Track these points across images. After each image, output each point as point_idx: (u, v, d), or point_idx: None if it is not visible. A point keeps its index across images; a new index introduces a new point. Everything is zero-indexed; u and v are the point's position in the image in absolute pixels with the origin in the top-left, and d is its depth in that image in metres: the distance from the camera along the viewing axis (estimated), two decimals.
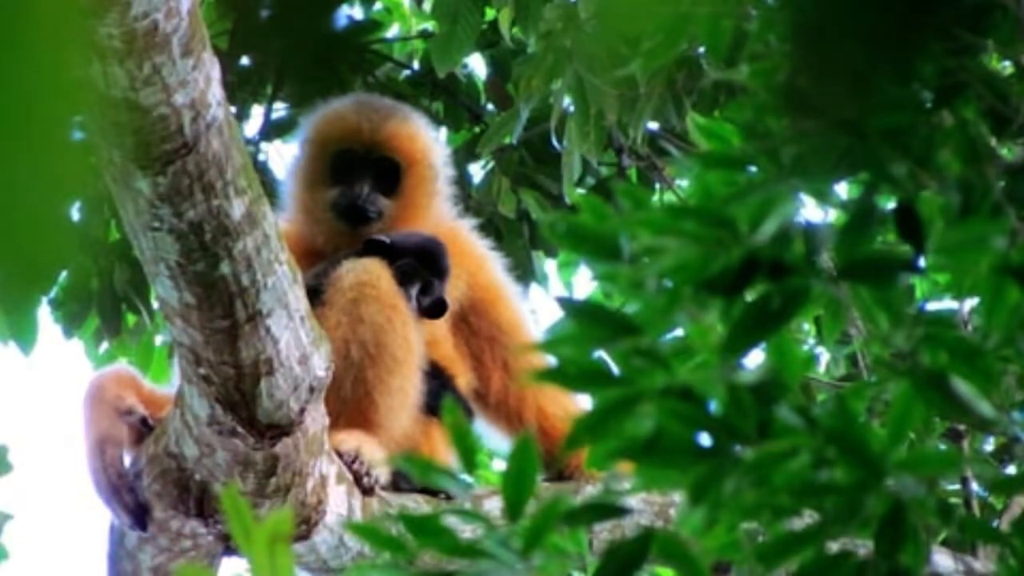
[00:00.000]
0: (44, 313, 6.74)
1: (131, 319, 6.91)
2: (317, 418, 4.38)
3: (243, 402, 4.24)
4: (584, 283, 7.93)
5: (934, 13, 2.35)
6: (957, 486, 5.37)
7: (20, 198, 1.72)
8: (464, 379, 4.95)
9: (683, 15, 2.73)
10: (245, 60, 6.57)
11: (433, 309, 4.88)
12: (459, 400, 4.82)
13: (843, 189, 2.68)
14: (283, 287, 4.19)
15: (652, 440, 2.34)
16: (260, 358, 4.20)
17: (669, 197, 6.67)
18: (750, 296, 2.35)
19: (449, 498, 4.65)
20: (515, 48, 6.68)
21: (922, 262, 2.39)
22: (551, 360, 2.38)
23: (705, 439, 2.35)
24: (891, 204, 2.41)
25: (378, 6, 7.20)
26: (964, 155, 2.44)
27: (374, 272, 4.75)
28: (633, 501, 4.61)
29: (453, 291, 4.97)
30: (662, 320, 2.34)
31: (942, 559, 4.64)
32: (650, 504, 4.76)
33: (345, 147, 5.00)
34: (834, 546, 2.42)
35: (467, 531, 2.56)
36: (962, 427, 5.41)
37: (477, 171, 6.90)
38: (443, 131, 6.91)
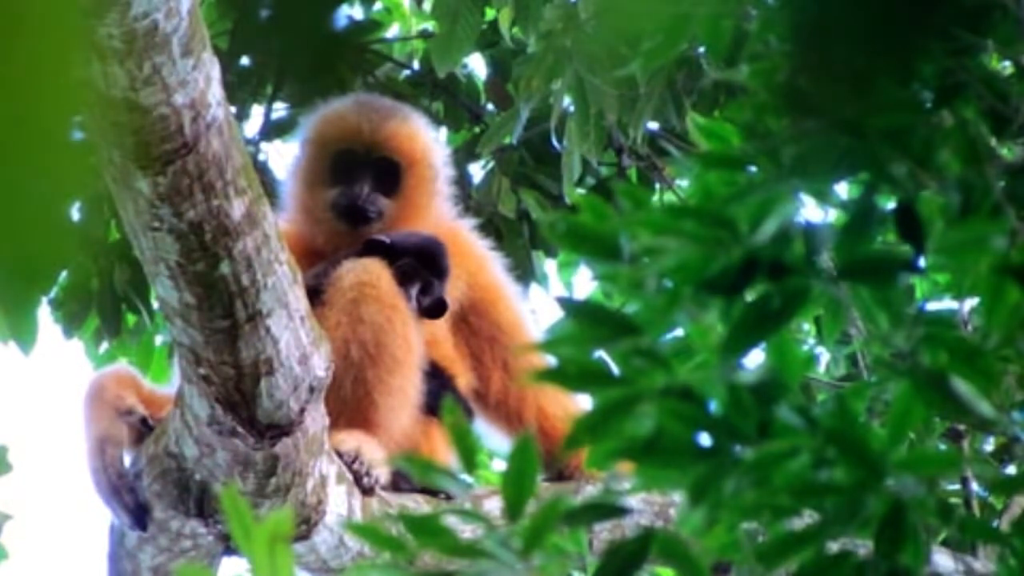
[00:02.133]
0: (44, 313, 6.74)
1: (131, 319, 6.91)
2: (317, 418, 4.38)
3: (243, 402, 4.24)
4: (584, 283, 7.93)
5: (934, 13, 2.35)
6: (957, 486, 5.37)
7: (20, 198, 1.72)
8: (464, 379, 4.96)
9: (683, 15, 2.73)
10: (245, 60, 6.57)
11: (433, 309, 4.88)
12: (459, 400, 4.82)
13: (843, 189, 2.68)
14: (283, 287, 4.19)
15: (652, 440, 2.34)
16: (260, 358, 4.20)
17: (669, 197, 6.67)
18: (750, 296, 2.35)
19: (449, 498, 4.65)
20: (515, 48, 6.67)
21: (922, 262, 2.39)
22: (551, 360, 2.38)
23: (705, 439, 2.35)
24: (891, 204, 2.41)
25: (378, 6, 7.20)
26: (964, 155, 2.44)
27: (374, 272, 4.75)
28: (633, 501, 4.61)
29: (453, 291, 4.97)
30: (662, 320, 2.34)
31: (942, 559, 4.64)
32: (650, 504, 4.76)
33: (345, 147, 5.00)
34: (834, 546, 2.42)
35: (467, 531, 2.57)
36: (962, 427, 5.41)
37: (477, 171, 6.90)
38: (443, 131, 6.91)
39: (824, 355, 6.48)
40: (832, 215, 2.50)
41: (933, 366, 2.39)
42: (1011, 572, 2.46)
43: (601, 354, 2.36)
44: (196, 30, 3.92)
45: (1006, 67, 2.74)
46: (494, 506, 4.47)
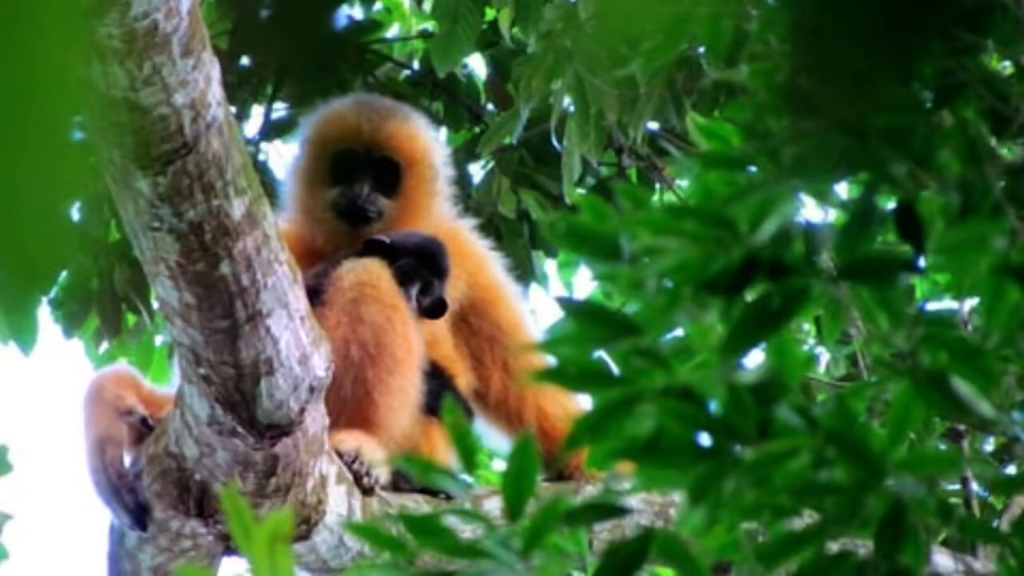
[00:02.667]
0: (44, 313, 6.74)
1: (131, 319, 6.91)
2: (317, 418, 4.38)
3: (243, 402, 4.24)
4: (584, 283, 7.93)
5: (934, 13, 2.35)
6: (957, 486, 5.37)
7: (20, 198, 1.72)
8: (464, 379, 4.96)
9: (683, 15, 2.73)
10: (245, 60, 6.57)
11: (433, 309, 4.88)
12: (459, 400, 4.82)
13: (843, 189, 2.68)
14: (283, 287, 4.19)
15: (652, 440, 2.34)
16: (260, 358, 4.20)
17: (669, 197, 6.67)
18: (750, 296, 2.35)
19: (449, 498, 4.65)
20: (515, 48, 6.67)
21: (922, 262, 2.39)
22: (551, 360, 2.38)
23: (705, 439, 2.35)
24: (891, 204, 2.41)
25: (378, 6, 7.20)
26: (964, 155, 2.44)
27: (374, 272, 4.75)
28: (633, 501, 4.61)
29: (453, 291, 4.97)
30: (662, 320, 2.34)
31: (942, 559, 4.64)
32: (650, 504, 4.76)
33: (345, 147, 5.00)
34: (834, 546, 2.42)
35: (467, 531, 2.57)
36: (962, 427, 5.41)
37: (477, 171, 6.90)
38: (443, 131, 6.91)
39: (824, 355, 6.48)
40: (832, 215, 2.50)
41: (933, 366, 2.39)
42: (1011, 572, 2.46)
43: (601, 354, 2.36)
44: (196, 30, 3.92)
45: (1006, 67, 2.74)
46: (494, 506, 4.47)
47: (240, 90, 6.64)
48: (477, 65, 7.02)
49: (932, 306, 3.52)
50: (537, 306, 8.50)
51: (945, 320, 2.41)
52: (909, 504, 2.37)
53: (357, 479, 4.57)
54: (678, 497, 4.51)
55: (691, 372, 2.35)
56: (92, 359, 6.99)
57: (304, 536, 4.47)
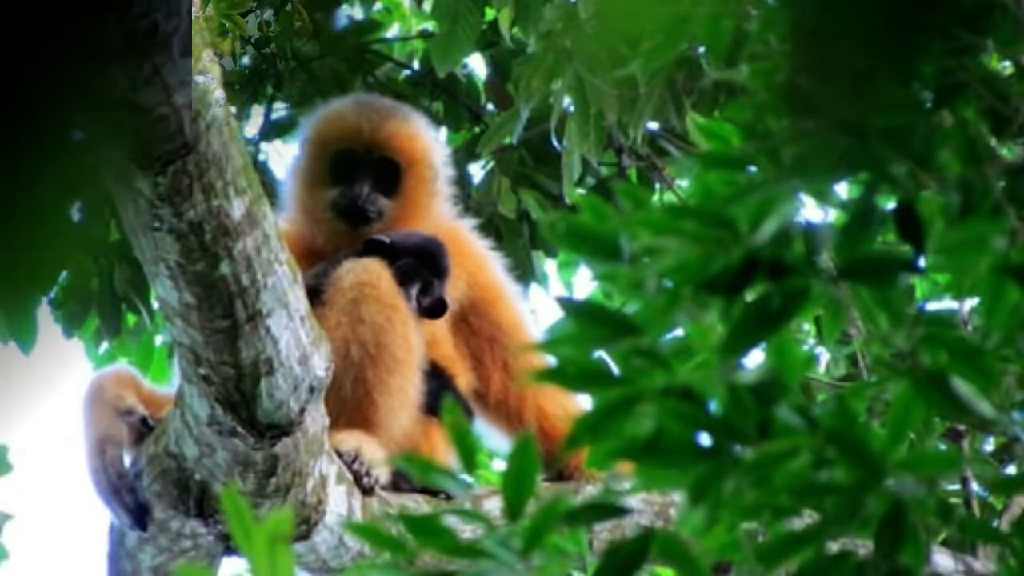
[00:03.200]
0: (44, 313, 6.74)
1: (131, 319, 6.91)
2: (317, 418, 4.38)
3: (243, 402, 4.24)
4: (584, 283, 7.93)
5: (934, 13, 2.35)
6: (957, 486, 5.37)
7: (20, 198, 1.72)
8: (464, 379, 4.96)
9: (683, 15, 2.73)
10: (245, 60, 6.57)
11: (433, 309, 4.88)
12: (459, 400, 4.82)
13: (843, 189, 2.68)
14: (283, 287, 4.19)
15: (652, 440, 2.34)
16: (260, 358, 4.20)
17: (669, 197, 6.67)
18: (750, 296, 2.35)
19: (449, 498, 4.65)
20: (515, 48, 6.67)
21: (922, 262, 2.39)
22: (551, 360, 2.38)
23: (705, 439, 2.35)
24: (891, 204, 2.41)
25: (378, 6, 7.20)
26: (964, 155, 2.44)
27: (374, 272, 4.75)
28: (633, 501, 4.61)
29: (453, 291, 4.97)
30: (662, 320, 2.34)
31: (942, 559, 4.64)
32: (650, 504, 4.76)
33: (345, 147, 5.00)
34: (834, 546, 2.42)
35: (467, 531, 2.57)
36: (962, 427, 5.41)
37: (477, 171, 6.90)
38: (443, 131, 6.91)
39: (824, 355, 6.48)
40: (832, 215, 2.51)
41: (933, 366, 2.39)
42: (1011, 572, 2.46)
43: (601, 354, 2.36)
44: (196, 30, 3.91)
45: (1006, 67, 2.74)
46: (494, 506, 4.47)
47: (240, 90, 6.64)
48: (477, 65, 7.03)
49: (932, 306, 3.52)
50: (537, 306, 8.50)
51: (945, 320, 2.41)
52: (909, 504, 2.37)
53: (357, 479, 4.57)
54: (678, 497, 4.51)
55: (691, 372, 2.35)
56: (92, 359, 6.99)
57: (304, 536, 4.47)
